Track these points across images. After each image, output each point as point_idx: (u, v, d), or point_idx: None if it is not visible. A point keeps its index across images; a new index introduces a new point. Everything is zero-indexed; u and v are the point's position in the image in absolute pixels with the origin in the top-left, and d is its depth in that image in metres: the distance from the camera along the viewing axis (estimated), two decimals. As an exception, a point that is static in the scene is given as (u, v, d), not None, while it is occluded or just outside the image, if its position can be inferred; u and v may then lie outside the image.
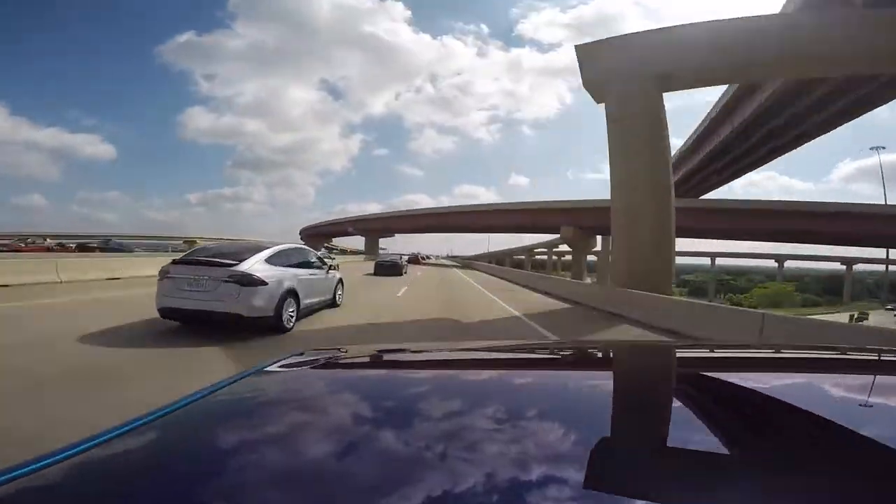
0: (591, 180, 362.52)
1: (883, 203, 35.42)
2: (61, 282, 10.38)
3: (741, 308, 12.49)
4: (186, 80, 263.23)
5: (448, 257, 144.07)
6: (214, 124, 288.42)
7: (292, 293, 6.01)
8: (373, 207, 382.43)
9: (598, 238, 44.80)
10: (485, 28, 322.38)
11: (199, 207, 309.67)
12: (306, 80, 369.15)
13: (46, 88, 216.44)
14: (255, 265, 5.59)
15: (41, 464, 0.46)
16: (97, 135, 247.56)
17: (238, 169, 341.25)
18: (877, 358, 1.06)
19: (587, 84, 12.15)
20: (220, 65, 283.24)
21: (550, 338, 6.75)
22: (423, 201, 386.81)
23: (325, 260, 9.20)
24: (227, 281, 5.31)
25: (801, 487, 0.42)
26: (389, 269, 22.14)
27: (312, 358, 0.98)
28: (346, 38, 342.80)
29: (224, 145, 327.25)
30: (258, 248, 6.03)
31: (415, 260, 46.54)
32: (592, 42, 12.28)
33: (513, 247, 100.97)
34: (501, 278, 25.58)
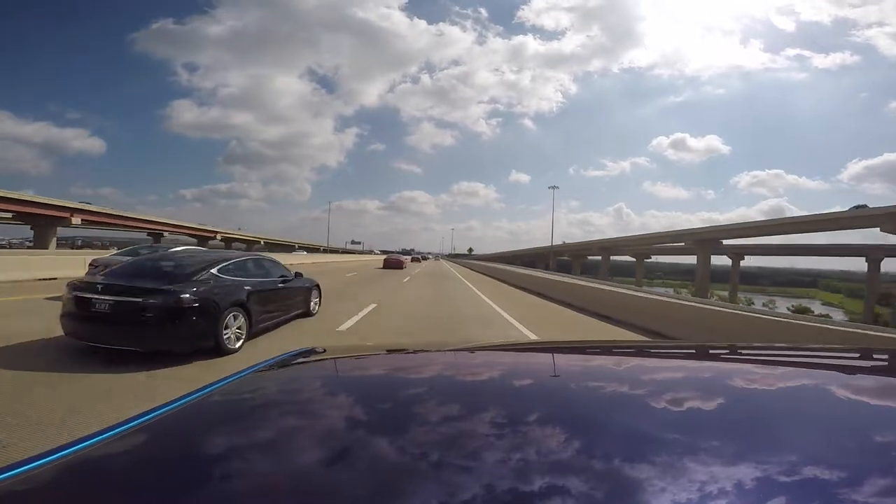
0: (593, 177, 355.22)
1: None
2: None
3: None
4: (169, 71, 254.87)
5: (450, 256, 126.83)
6: (202, 117, 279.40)
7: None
8: (371, 204, 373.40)
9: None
10: (484, 12, 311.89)
11: (196, 203, 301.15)
12: (295, 70, 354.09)
13: (27, 82, 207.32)
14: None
15: (38, 463, 0.46)
16: (83, 129, 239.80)
17: (230, 164, 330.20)
18: (879, 358, 1.08)
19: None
20: (202, 54, 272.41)
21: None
22: (421, 198, 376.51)
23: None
24: None
25: (802, 487, 0.43)
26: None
27: (313, 356, 0.99)
28: (335, 23, 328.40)
29: (215, 139, 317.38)
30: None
31: (395, 263, 29.68)
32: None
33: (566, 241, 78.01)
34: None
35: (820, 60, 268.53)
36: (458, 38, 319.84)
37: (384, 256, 35.49)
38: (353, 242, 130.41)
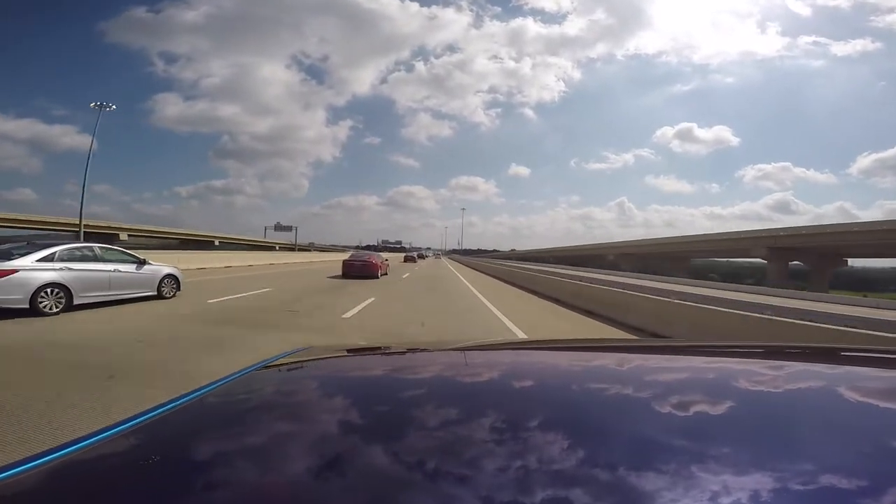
0: (594, 170, 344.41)
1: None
2: None
3: None
4: (151, 63, 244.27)
5: (456, 253, 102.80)
6: (189, 111, 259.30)
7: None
8: (369, 200, 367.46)
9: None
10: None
11: (192, 200, 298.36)
12: (280, 59, 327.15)
13: (6, 78, 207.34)
14: None
15: (34, 464, 0.46)
16: (72, 125, 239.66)
17: (223, 159, 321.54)
18: (881, 357, 1.08)
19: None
20: (181, 43, 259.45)
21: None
22: (420, 193, 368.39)
23: None
24: None
25: (821, 496, 0.43)
26: None
27: (312, 355, 1.03)
28: (318, 4, 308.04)
29: (205, 134, 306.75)
30: None
31: (360, 268, 17.07)
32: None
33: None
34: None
35: (839, 48, 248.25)
36: (453, 19, 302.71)
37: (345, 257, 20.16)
38: (278, 228, 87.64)
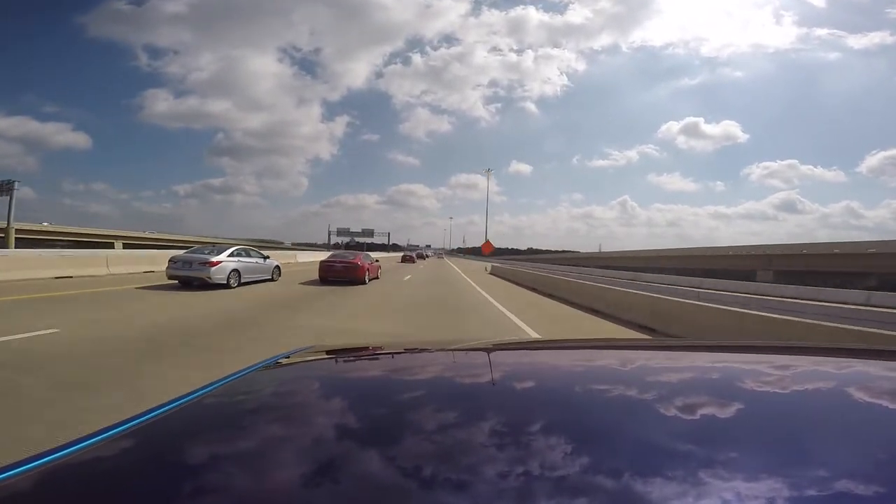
0: (597, 168, 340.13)
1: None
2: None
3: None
4: (142, 59, 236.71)
5: (451, 251, 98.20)
6: (182, 107, 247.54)
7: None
8: (370, 199, 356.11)
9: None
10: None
11: (191, 199, 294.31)
12: (271, 52, 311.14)
13: None
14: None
15: (34, 464, 0.47)
16: (65, 123, 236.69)
17: (218, 156, 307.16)
18: (879, 356, 1.07)
19: None
20: (168, 37, 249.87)
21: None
22: (420, 191, 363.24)
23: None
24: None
25: (817, 492, 0.43)
26: None
27: (314, 355, 1.07)
28: None
29: (201, 130, 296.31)
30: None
31: (341, 270, 14.19)
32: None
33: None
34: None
35: (855, 40, 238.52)
36: (450, 6, 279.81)
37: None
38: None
